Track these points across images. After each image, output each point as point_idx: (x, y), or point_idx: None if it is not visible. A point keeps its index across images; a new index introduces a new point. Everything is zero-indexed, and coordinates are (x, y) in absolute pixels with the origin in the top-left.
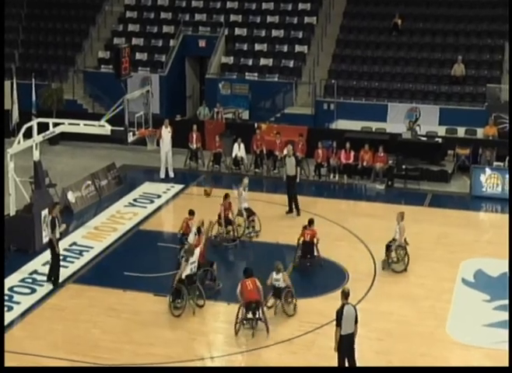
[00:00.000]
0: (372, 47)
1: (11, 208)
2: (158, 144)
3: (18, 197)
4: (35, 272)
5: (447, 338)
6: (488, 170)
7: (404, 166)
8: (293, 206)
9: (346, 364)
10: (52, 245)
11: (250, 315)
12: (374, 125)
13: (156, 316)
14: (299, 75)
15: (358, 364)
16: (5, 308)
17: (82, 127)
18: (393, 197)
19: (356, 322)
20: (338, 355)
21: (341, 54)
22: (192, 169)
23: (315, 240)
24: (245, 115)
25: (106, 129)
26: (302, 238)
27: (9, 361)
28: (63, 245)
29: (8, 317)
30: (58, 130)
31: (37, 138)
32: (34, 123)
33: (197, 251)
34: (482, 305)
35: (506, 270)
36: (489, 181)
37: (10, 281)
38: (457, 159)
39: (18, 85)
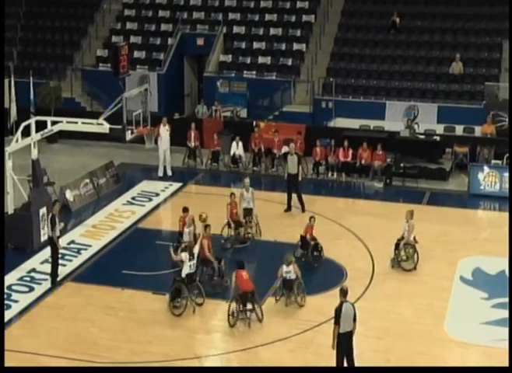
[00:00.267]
0: (370, 45)
1: (9, 206)
2: (156, 143)
3: (16, 196)
4: (33, 270)
5: (445, 336)
6: (486, 168)
7: (402, 164)
8: (299, 203)
9: (345, 363)
10: (53, 242)
11: (247, 306)
12: (372, 123)
13: (154, 314)
14: (297, 73)
15: (356, 363)
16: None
17: (80, 125)
18: (391, 195)
19: (355, 320)
20: (337, 353)
21: (340, 52)
22: (190, 168)
23: (308, 236)
24: (243, 113)
25: (104, 127)
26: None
27: (8, 360)
28: (61, 243)
29: (7, 315)
30: (56, 128)
31: (35, 136)
32: (32, 121)
33: (196, 249)
34: (480, 303)
35: (505, 267)
36: (487, 179)
37: (8, 279)
38: (455, 157)
39: (16, 84)
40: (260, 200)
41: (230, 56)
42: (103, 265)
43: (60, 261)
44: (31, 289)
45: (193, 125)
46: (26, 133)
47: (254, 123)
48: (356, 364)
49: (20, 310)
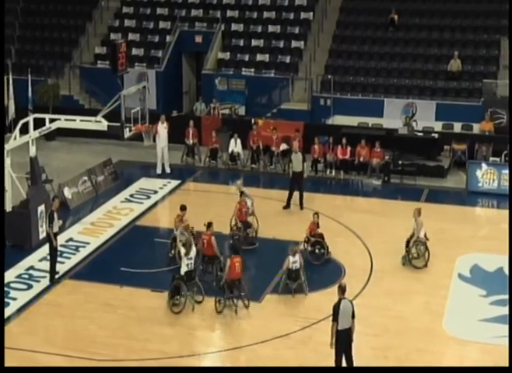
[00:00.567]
0: (368, 42)
1: (7, 204)
2: (154, 140)
3: (14, 193)
4: (31, 268)
5: (443, 333)
6: (484, 165)
7: (400, 162)
8: (299, 200)
9: (343, 360)
10: (49, 239)
11: (234, 293)
12: (371, 121)
13: (152, 312)
14: (295, 71)
15: (355, 360)
16: None
17: (78, 122)
18: (389, 193)
19: (353, 316)
20: (335, 351)
21: (338, 50)
22: (189, 165)
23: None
24: (241, 111)
25: (102, 125)
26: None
27: (6, 357)
28: (59, 241)
29: (5, 313)
30: (55, 125)
31: (34, 134)
32: (30, 118)
33: (194, 248)
34: (478, 300)
35: (503, 265)
36: (486, 176)
37: (6, 277)
38: (453, 155)
39: (14, 81)
40: (258, 198)
41: (228, 53)
42: (101, 262)
43: (58, 258)
44: (29, 287)
45: (191, 122)
46: (24, 130)
47: (253, 120)
48: (355, 362)
49: (18, 307)
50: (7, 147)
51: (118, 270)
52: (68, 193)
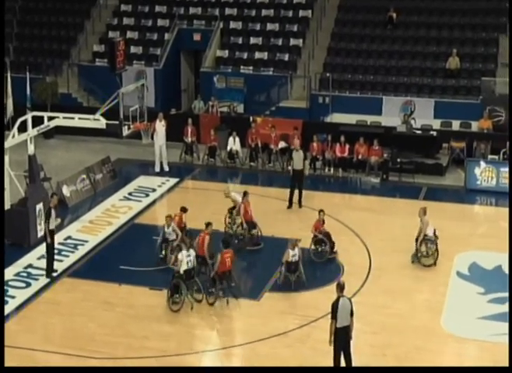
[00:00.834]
0: (367, 40)
1: (6, 202)
2: (152, 138)
3: (12, 191)
4: (30, 266)
5: (441, 331)
6: (482, 163)
7: (399, 159)
8: (298, 199)
9: (342, 357)
10: (45, 236)
11: (223, 285)
12: (369, 118)
13: (151, 310)
14: (294, 69)
15: (353, 358)
16: None
17: (76, 120)
18: (388, 191)
19: (352, 314)
20: (334, 349)
21: (336, 48)
22: (187, 163)
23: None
24: (240, 108)
25: (101, 123)
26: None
27: (5, 356)
28: (58, 239)
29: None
30: (53, 123)
31: (32, 132)
32: (29, 116)
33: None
34: (476, 298)
35: (501, 262)
36: (484, 174)
37: (5, 275)
38: (451, 152)
39: (12, 79)
40: (257, 196)
41: (227, 51)
42: (100, 260)
43: (57, 257)
44: (28, 285)
45: (190, 120)
46: (23, 128)
47: (251, 118)
48: (353, 359)
49: (17, 306)
50: (5, 145)
51: (117, 268)
52: (66, 191)
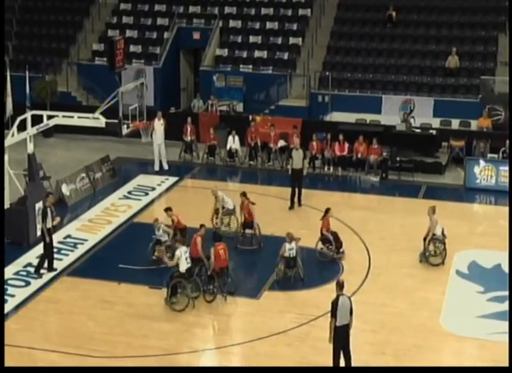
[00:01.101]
0: (366, 38)
1: (5, 201)
2: (152, 137)
3: (12, 190)
4: (29, 265)
5: (440, 329)
6: (482, 162)
7: (398, 158)
8: (296, 198)
9: (341, 356)
10: (43, 235)
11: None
12: (369, 117)
13: (150, 308)
14: (293, 67)
15: (352, 356)
16: None
17: (76, 119)
18: (387, 189)
19: (351, 313)
20: (333, 347)
21: (336, 46)
22: (187, 162)
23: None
24: (239, 107)
25: (100, 121)
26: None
27: (5, 354)
28: (57, 237)
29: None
30: (52, 122)
31: (31, 131)
32: (28, 115)
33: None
34: (476, 297)
35: (501, 261)
36: (483, 173)
37: (5, 274)
38: (451, 151)
39: (11, 78)
40: (256, 194)
41: (226, 50)
42: (99, 259)
43: (56, 255)
44: (27, 283)
45: (189, 119)
46: (22, 127)
47: (251, 117)
48: (353, 358)
49: (16, 304)
50: (5, 143)
51: (116, 267)
52: (65, 189)
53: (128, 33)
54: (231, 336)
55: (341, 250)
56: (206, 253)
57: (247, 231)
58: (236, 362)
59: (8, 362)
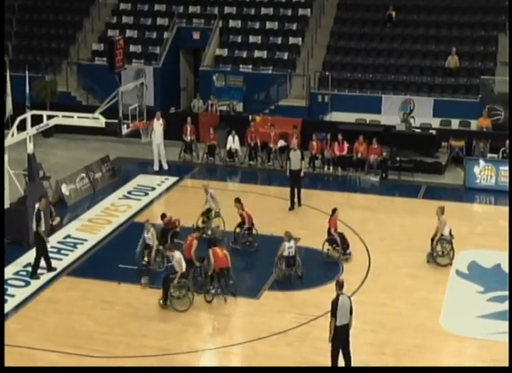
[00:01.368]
0: (366, 38)
1: (5, 201)
2: (151, 137)
3: (12, 190)
4: (29, 265)
5: (440, 329)
6: (482, 162)
7: (398, 158)
8: (296, 197)
9: (340, 355)
10: (40, 237)
11: (221, 282)
12: (369, 117)
13: (150, 309)
14: (293, 67)
15: (352, 356)
16: None
17: (76, 119)
18: (387, 189)
19: (351, 312)
20: (332, 346)
21: (336, 46)
22: (186, 162)
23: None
24: (239, 107)
25: (100, 121)
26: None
27: (5, 354)
28: (57, 237)
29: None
30: (52, 122)
31: (31, 131)
32: (28, 115)
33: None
34: (475, 297)
35: (500, 261)
36: (483, 173)
37: (5, 274)
38: (451, 151)
39: (11, 78)
40: (256, 194)
41: (226, 50)
42: (99, 259)
43: (56, 255)
44: (27, 283)
45: (189, 119)
46: (22, 127)
47: (250, 117)
48: (352, 357)
49: (16, 304)
50: (5, 143)
51: (116, 267)
52: (65, 189)
53: (128, 33)
54: (231, 336)
55: (347, 251)
56: (199, 255)
57: (243, 231)
58: (236, 362)
59: (8, 362)
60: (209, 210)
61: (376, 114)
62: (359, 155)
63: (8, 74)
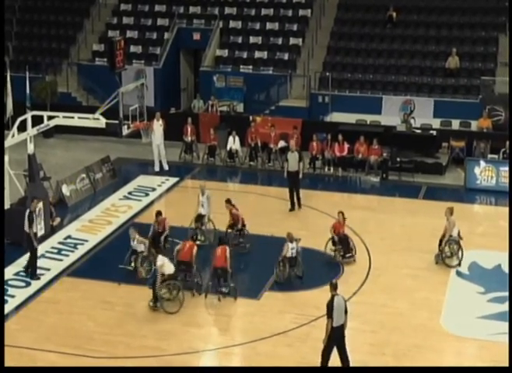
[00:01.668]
0: (366, 39)
1: (5, 201)
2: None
3: (12, 191)
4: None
5: (441, 330)
6: (482, 162)
7: (398, 159)
8: (296, 198)
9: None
10: (30, 240)
11: (216, 281)
12: (369, 118)
13: (149, 309)
14: (293, 68)
15: (352, 357)
16: None
17: (76, 120)
18: (387, 190)
19: (346, 312)
20: (326, 347)
21: (336, 47)
22: (187, 162)
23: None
24: (240, 108)
25: (100, 122)
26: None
27: (5, 355)
28: (58, 238)
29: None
30: (53, 123)
31: (32, 131)
32: (28, 116)
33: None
34: (476, 297)
35: (501, 262)
36: (484, 173)
37: (5, 274)
38: (451, 152)
39: (12, 78)
40: (256, 195)
41: (227, 50)
42: (99, 260)
43: (56, 256)
44: (28, 284)
45: (189, 120)
46: (22, 128)
47: (251, 117)
48: (352, 358)
49: (17, 305)
50: (5, 144)
51: (116, 268)
52: (66, 190)
53: (129, 34)
54: (232, 336)
55: (347, 255)
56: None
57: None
58: (236, 362)
59: (9, 362)
60: (200, 215)
61: (377, 115)
62: (360, 156)
63: (8, 74)
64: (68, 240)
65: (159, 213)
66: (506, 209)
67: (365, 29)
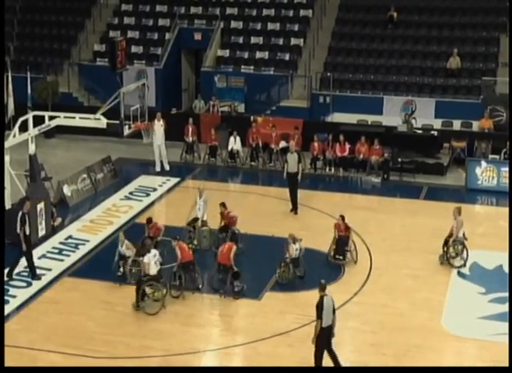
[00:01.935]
0: (367, 39)
1: (6, 202)
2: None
3: (13, 191)
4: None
5: (441, 330)
6: (483, 163)
7: (399, 159)
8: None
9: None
10: (19, 241)
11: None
12: (370, 118)
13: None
14: (294, 68)
15: (352, 357)
16: None
17: (77, 120)
18: (388, 190)
19: (334, 312)
20: (317, 347)
21: (337, 47)
22: (188, 162)
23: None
24: (241, 108)
25: (101, 122)
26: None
27: (5, 355)
28: (59, 238)
29: (4, 310)
30: (54, 123)
31: (33, 131)
32: (30, 116)
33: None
34: (477, 298)
35: (502, 262)
36: (485, 174)
37: (5, 275)
38: (452, 152)
39: (13, 78)
40: (257, 195)
41: (228, 51)
42: (100, 260)
43: (57, 256)
44: (29, 284)
45: (190, 120)
46: (24, 128)
47: (252, 118)
48: (353, 358)
49: (18, 305)
50: (6, 144)
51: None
52: (67, 190)
53: (130, 34)
54: (233, 336)
55: (337, 256)
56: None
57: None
58: (237, 363)
59: (9, 362)
60: (196, 219)
61: (378, 115)
62: (361, 156)
63: (9, 75)
64: (69, 240)
65: (149, 220)
66: (507, 209)
67: (366, 30)
